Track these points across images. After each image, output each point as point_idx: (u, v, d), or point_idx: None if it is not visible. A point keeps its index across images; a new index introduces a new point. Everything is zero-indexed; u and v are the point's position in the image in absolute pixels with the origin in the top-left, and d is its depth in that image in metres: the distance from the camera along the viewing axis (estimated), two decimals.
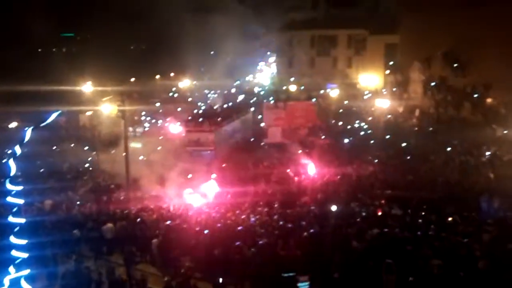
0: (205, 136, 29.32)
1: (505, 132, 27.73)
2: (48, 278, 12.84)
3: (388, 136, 30.60)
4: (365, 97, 49.65)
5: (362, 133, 33.10)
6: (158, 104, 44.99)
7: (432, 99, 39.50)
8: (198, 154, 28.20)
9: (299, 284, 11.79)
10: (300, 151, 26.95)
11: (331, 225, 15.18)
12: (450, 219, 15.92)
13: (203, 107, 34.50)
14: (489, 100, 34.03)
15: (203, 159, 27.29)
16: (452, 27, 37.44)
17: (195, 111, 34.16)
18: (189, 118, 32.65)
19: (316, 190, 20.74)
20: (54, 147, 30.63)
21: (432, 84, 40.62)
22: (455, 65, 38.22)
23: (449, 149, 26.68)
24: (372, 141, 30.39)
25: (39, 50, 65.24)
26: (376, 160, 25.43)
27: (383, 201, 18.63)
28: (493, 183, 20.13)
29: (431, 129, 32.56)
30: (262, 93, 59.39)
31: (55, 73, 44.10)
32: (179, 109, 40.53)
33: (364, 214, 16.84)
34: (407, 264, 11.96)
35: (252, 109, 40.33)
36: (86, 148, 30.24)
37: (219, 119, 32.28)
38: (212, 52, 68.57)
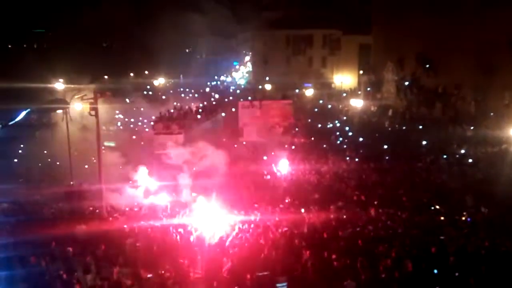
0: (174, 139, 28.21)
1: (472, 128, 28.47)
2: (17, 280, 12.51)
3: (361, 136, 30.90)
4: (340, 96, 50.17)
5: (337, 132, 33.38)
6: (132, 102, 44.31)
7: (404, 98, 40.24)
8: (167, 157, 26.93)
9: (277, 285, 11.80)
10: (276, 150, 26.94)
11: (306, 225, 15.29)
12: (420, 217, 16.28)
13: (172, 109, 33.43)
14: (459, 100, 34.79)
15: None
16: (423, 29, 38.14)
17: (164, 112, 32.81)
18: (157, 119, 31.17)
19: (294, 190, 20.77)
20: (21, 145, 29.82)
21: (405, 84, 41.40)
22: (427, 65, 38.97)
23: (420, 146, 27.26)
24: (346, 140, 30.71)
25: (9, 46, 63.55)
26: (356, 159, 25.65)
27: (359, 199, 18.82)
28: (466, 181, 20.56)
29: (403, 128, 33.08)
30: (237, 92, 59.32)
31: (25, 70, 42.98)
32: (145, 108, 39.42)
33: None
34: (380, 262, 12.13)
35: (223, 109, 39.96)
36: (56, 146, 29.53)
37: (189, 120, 31.41)
38: (187, 51, 68.14)
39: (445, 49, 35.80)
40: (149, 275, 12.81)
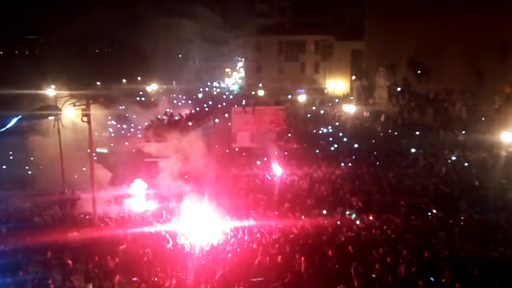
0: (165, 146, 27.86)
1: (463, 133, 28.69)
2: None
3: (354, 142, 30.99)
4: (333, 102, 50.38)
5: (330, 138, 33.49)
6: (124, 108, 44.11)
7: (396, 104, 40.46)
8: (157, 164, 25.91)
9: None
10: (269, 156, 26.95)
11: (300, 231, 15.26)
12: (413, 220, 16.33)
13: (163, 116, 33.10)
14: (450, 105, 35.03)
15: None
16: (415, 35, 38.46)
17: (155, 119, 32.38)
18: (148, 127, 30.66)
19: (287, 196, 20.73)
20: (12, 152, 29.61)
21: (397, 89, 41.66)
22: (419, 71, 39.25)
23: (413, 151, 27.41)
24: (340, 146, 30.77)
25: (1, 52, 63.28)
26: (350, 164, 25.66)
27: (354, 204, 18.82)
28: (459, 186, 20.64)
29: (396, 133, 33.25)
30: (230, 97, 59.39)
31: (17, 76, 42.76)
32: (138, 114, 39.22)
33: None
34: (376, 267, 12.13)
35: (216, 115, 39.93)
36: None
37: (180, 127, 31.19)
38: (180, 56, 68.11)
39: (437, 54, 36.11)
40: (134, 279, 12.76)
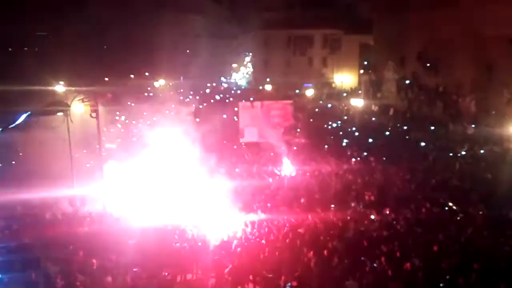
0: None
1: (473, 127, 28.47)
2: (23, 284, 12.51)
3: (363, 136, 30.86)
4: (341, 96, 50.19)
5: (340, 132, 33.38)
6: (132, 104, 44.19)
7: (405, 98, 40.21)
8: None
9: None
10: (277, 151, 26.91)
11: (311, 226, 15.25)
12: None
13: (170, 111, 33.01)
14: (460, 98, 34.75)
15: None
16: (424, 28, 38.13)
17: (162, 114, 32.17)
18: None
19: (296, 191, 20.66)
20: (21, 148, 29.77)
21: (406, 83, 41.38)
22: (428, 64, 38.92)
23: (422, 145, 27.25)
24: (349, 141, 30.66)
25: (10, 49, 63.61)
26: (359, 158, 25.54)
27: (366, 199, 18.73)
28: (469, 180, 20.48)
29: (405, 127, 33.06)
30: (238, 92, 59.32)
31: (26, 72, 42.92)
32: (145, 110, 39.25)
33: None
34: (385, 262, 12.10)
35: (224, 110, 39.80)
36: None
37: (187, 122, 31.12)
38: (187, 51, 68.14)
39: (446, 47, 35.77)
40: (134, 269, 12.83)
